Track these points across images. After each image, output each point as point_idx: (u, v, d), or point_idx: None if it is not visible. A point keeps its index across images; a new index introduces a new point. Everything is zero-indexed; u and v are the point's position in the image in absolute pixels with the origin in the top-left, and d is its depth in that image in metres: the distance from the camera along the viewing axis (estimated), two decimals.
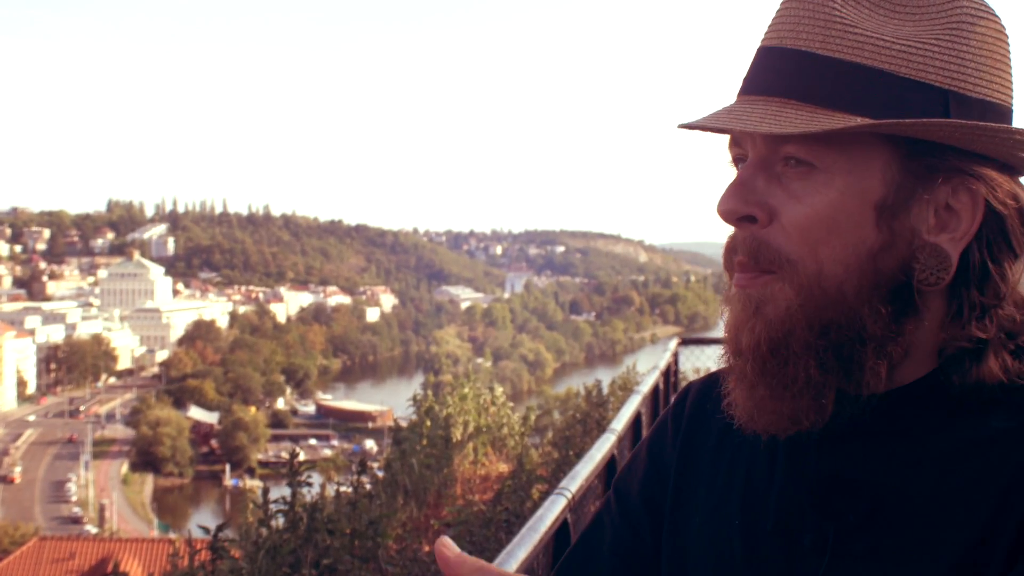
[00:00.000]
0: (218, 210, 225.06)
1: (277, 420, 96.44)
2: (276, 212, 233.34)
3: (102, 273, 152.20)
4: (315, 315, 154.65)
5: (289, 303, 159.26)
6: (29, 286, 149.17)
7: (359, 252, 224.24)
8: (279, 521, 5.40)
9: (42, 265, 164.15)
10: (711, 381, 1.19)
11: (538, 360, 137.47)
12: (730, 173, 0.99)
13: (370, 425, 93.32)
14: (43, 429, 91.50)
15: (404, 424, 9.31)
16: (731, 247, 0.95)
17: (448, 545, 0.77)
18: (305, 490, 5.48)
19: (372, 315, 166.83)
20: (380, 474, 8.06)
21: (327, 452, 69.66)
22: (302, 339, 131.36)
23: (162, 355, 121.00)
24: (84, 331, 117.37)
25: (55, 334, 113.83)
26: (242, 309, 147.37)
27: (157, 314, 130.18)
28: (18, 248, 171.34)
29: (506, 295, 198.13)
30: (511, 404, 10.25)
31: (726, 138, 1.00)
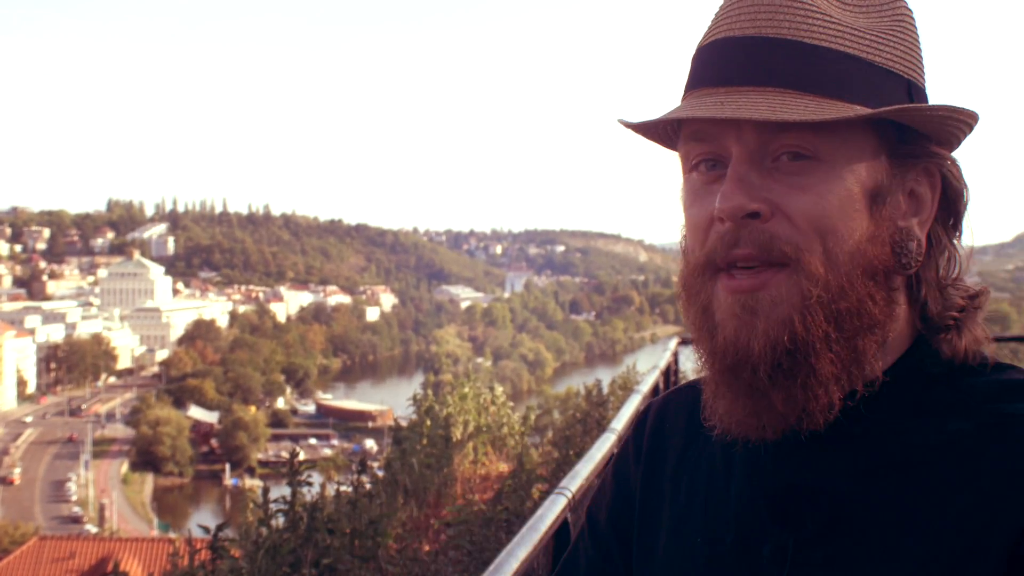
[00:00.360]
0: (218, 209, 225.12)
1: (277, 420, 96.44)
2: (276, 211, 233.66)
3: (102, 273, 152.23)
4: (315, 315, 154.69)
5: (289, 303, 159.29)
6: (29, 285, 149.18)
7: (359, 251, 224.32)
8: (279, 521, 5.40)
9: (42, 264, 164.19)
10: (670, 399, 1.19)
11: (538, 360, 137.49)
12: (693, 176, 0.97)
13: (370, 425, 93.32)
14: (43, 428, 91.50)
15: (404, 424, 9.29)
16: (729, 243, 0.91)
17: None
18: (305, 490, 5.48)
19: (372, 314, 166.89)
20: (380, 474, 8.06)
21: (327, 452, 69.60)
22: (302, 339, 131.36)
23: (162, 355, 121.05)
24: (84, 330, 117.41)
25: (55, 333, 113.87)
26: (242, 309, 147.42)
27: (157, 314, 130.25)
28: (18, 248, 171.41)
29: (506, 295, 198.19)
30: (511, 404, 10.24)
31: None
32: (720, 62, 0.94)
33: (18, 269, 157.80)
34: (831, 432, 0.92)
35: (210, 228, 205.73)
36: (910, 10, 0.98)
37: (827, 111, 0.87)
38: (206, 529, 5.47)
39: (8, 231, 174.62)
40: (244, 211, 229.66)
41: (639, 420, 1.21)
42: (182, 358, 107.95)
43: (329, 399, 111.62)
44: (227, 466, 78.99)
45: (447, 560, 5.59)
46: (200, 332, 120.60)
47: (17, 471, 75.00)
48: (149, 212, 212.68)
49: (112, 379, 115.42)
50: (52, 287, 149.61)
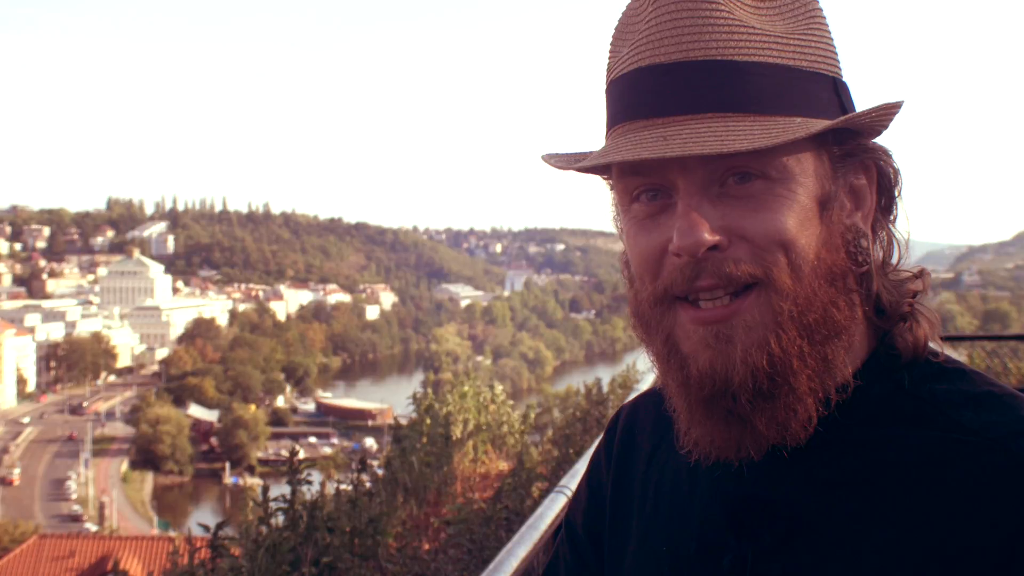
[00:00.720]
0: (218, 208, 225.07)
1: (277, 418, 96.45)
2: (276, 210, 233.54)
3: (102, 271, 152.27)
4: (315, 313, 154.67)
5: (289, 301, 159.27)
6: (29, 284, 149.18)
7: (359, 250, 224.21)
8: (279, 519, 5.39)
9: (42, 263, 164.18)
10: (638, 404, 1.18)
11: (538, 358, 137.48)
12: (635, 207, 0.94)
13: (370, 423, 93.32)
14: (43, 427, 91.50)
15: (404, 422, 9.27)
16: (689, 276, 0.89)
17: None
18: (305, 488, 5.46)
19: (372, 313, 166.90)
20: (380, 472, 8.04)
21: (327, 450, 69.59)
22: (302, 337, 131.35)
23: (162, 353, 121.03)
24: (84, 329, 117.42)
25: (55, 332, 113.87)
26: (242, 307, 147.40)
27: (157, 312, 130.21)
28: (18, 246, 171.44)
29: (506, 293, 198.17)
30: (511, 402, 10.23)
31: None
32: (651, 91, 0.90)
33: (18, 267, 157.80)
34: (795, 444, 0.92)
35: (210, 226, 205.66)
36: (820, 6, 0.97)
37: (772, 130, 0.86)
38: (206, 527, 5.46)
39: (8, 229, 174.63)
40: (244, 209, 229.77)
41: (610, 425, 1.20)
42: (182, 356, 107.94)
43: (329, 398, 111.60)
44: (227, 464, 79.01)
45: (447, 559, 5.58)
46: (200, 331, 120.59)
47: (16, 471, 74.94)
48: (149, 210, 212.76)
49: (112, 377, 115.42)
50: (52, 285, 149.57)
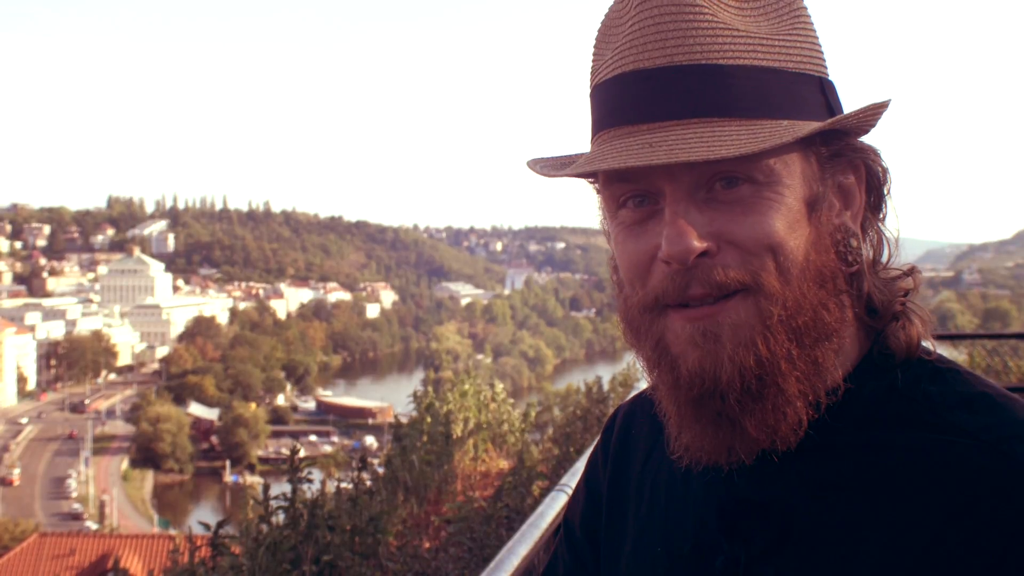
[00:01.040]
0: (218, 206, 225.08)
1: (277, 416, 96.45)
2: (276, 208, 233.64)
3: (102, 269, 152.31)
4: (315, 311, 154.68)
5: (289, 299, 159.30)
6: (29, 282, 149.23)
7: (359, 248, 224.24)
8: (279, 517, 5.39)
9: (42, 261, 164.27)
10: (636, 404, 1.18)
11: (538, 356, 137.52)
12: (622, 213, 0.94)
13: (370, 421, 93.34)
14: (43, 425, 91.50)
15: (404, 420, 9.27)
16: (680, 285, 0.89)
17: None
18: (305, 486, 5.46)
19: (372, 311, 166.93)
20: (380, 470, 8.03)
21: (327, 448, 69.55)
22: (302, 335, 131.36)
23: (162, 351, 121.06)
24: (84, 327, 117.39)
25: (55, 330, 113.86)
26: (242, 305, 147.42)
27: (157, 310, 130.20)
28: (18, 244, 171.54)
29: (506, 291, 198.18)
30: (511, 400, 10.23)
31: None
32: (636, 97, 0.90)
33: (18, 266, 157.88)
34: (789, 446, 0.91)
35: (210, 225, 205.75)
36: (804, 5, 0.96)
37: (759, 135, 0.85)
38: (206, 526, 5.45)
39: (8, 228, 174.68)
40: (244, 208, 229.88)
41: (607, 425, 1.20)
42: (182, 355, 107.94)
43: (329, 396, 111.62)
44: (227, 463, 79.01)
45: (447, 557, 5.58)
46: (200, 329, 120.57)
47: (16, 471, 74.89)
48: (149, 209, 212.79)
49: (112, 376, 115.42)
50: (52, 284, 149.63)
